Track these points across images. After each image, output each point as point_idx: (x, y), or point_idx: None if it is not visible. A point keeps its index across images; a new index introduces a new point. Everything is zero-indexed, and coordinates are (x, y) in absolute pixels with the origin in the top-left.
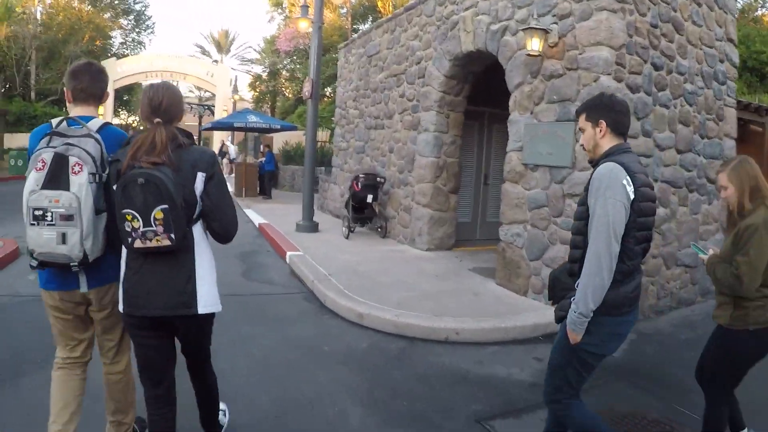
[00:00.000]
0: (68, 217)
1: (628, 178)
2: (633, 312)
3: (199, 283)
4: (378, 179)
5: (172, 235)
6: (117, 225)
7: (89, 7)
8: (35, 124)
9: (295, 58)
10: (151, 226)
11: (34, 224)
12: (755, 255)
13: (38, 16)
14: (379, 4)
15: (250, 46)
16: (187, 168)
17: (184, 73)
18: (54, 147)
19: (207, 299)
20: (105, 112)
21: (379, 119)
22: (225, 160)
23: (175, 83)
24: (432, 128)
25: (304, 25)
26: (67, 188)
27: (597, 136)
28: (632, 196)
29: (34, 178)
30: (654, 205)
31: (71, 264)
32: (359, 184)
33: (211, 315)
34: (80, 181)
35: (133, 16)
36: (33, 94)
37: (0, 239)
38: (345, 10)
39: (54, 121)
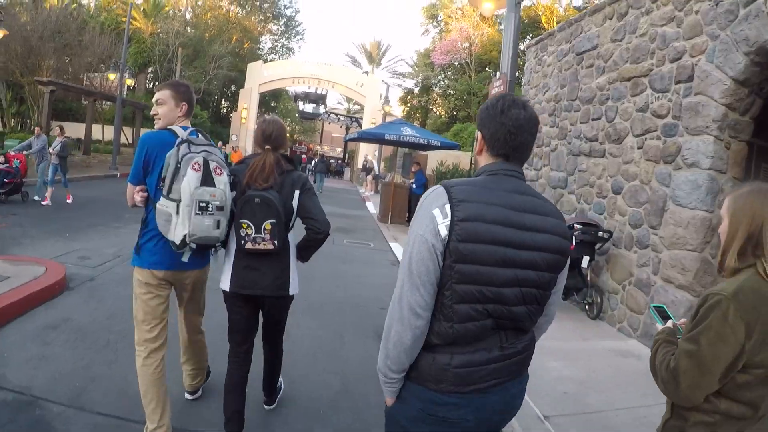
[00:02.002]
0: (221, 208)
1: (447, 206)
2: (470, 396)
3: (291, 274)
4: (600, 233)
5: (276, 242)
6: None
7: (238, 9)
8: None
9: (449, 73)
10: (261, 233)
11: (198, 214)
12: (708, 346)
13: (187, 16)
14: (543, 19)
15: (402, 59)
16: (288, 187)
17: (333, 81)
18: (197, 152)
19: (294, 285)
20: (248, 117)
21: (597, 142)
22: (369, 177)
23: (323, 91)
24: (705, 163)
25: (489, 7)
26: (214, 185)
27: (476, 150)
28: (444, 232)
29: (195, 176)
30: (500, 251)
31: (217, 244)
32: (574, 238)
33: (292, 296)
34: (225, 180)
35: (283, 21)
36: None
37: (45, 262)
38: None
39: (177, 130)
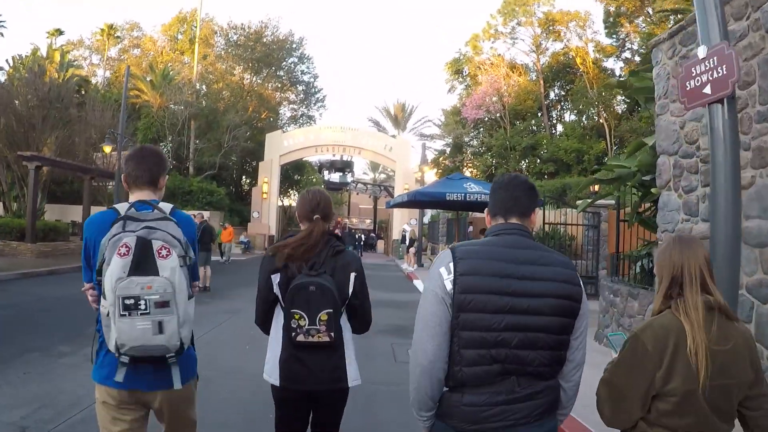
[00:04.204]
0: (164, 304)
1: (451, 264)
2: None
3: (347, 362)
4: None
5: (332, 334)
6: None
7: (253, 76)
8: (190, 200)
9: (481, 129)
10: (315, 325)
11: (124, 315)
12: (620, 376)
13: (197, 86)
14: (578, 61)
15: (429, 120)
16: (341, 270)
17: (359, 147)
18: (133, 231)
19: (353, 375)
20: (269, 191)
21: None
22: (412, 250)
23: (348, 158)
24: None
25: None
26: (156, 273)
27: (486, 221)
28: (449, 287)
29: (119, 264)
30: (499, 300)
31: (168, 356)
32: None
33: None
34: (172, 265)
35: (301, 89)
36: (191, 168)
37: None
38: (535, 75)
39: (120, 207)
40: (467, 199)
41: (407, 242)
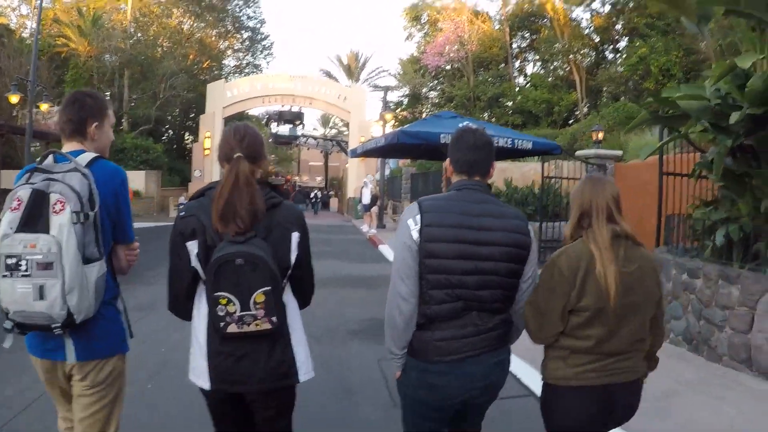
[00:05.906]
0: (46, 266)
1: (417, 216)
2: (451, 364)
3: (296, 351)
4: None
5: (274, 318)
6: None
7: (193, 21)
8: (122, 159)
9: (441, 79)
10: (250, 310)
11: (6, 275)
12: (541, 296)
13: (131, 31)
14: (549, 6)
15: (384, 70)
16: (279, 230)
17: (310, 97)
18: (33, 183)
19: (304, 367)
20: (212, 146)
21: None
22: (375, 209)
23: (297, 108)
24: None
25: None
26: (46, 231)
27: (448, 173)
28: (416, 236)
29: (8, 219)
30: (458, 247)
31: (53, 326)
32: None
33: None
34: (61, 222)
35: (247, 35)
36: (125, 123)
37: None
38: (499, 23)
39: (42, 160)
40: None
41: (368, 200)
